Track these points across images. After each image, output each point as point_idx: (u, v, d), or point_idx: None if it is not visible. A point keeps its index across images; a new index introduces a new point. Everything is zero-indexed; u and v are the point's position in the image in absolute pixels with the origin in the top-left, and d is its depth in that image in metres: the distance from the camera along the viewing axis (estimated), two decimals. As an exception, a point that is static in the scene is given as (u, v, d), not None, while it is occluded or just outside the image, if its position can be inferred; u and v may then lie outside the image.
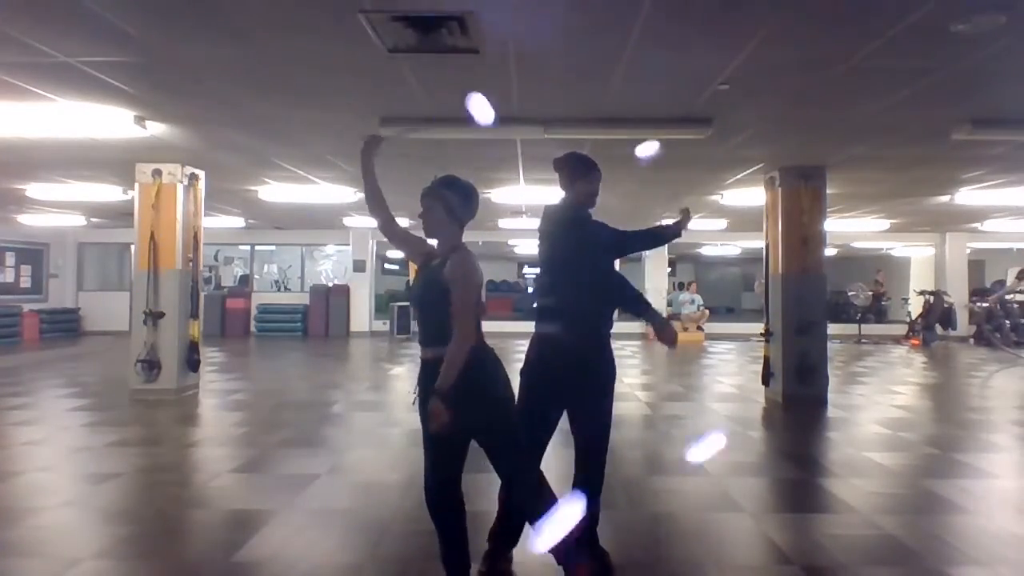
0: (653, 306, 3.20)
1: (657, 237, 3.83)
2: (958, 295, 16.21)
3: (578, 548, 2.86)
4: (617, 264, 3.61)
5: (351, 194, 9.87)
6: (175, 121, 5.98)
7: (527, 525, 2.99)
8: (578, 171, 3.27)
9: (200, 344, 8.09)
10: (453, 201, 2.82)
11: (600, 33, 3.92)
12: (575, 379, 3.06)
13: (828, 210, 8.33)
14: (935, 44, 3.98)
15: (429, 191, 2.86)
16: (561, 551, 2.79)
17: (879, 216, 12.93)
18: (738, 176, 8.52)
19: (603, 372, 3.18)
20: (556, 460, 3.53)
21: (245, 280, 18.96)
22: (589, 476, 3.20)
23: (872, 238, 16.70)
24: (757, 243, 11.88)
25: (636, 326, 16.96)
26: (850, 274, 19.60)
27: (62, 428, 6.33)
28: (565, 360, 3.02)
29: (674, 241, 3.72)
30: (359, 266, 16.84)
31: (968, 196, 9.71)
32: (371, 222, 14.90)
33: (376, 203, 3.01)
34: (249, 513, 4.01)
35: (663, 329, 3.10)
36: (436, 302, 2.69)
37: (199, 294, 8.17)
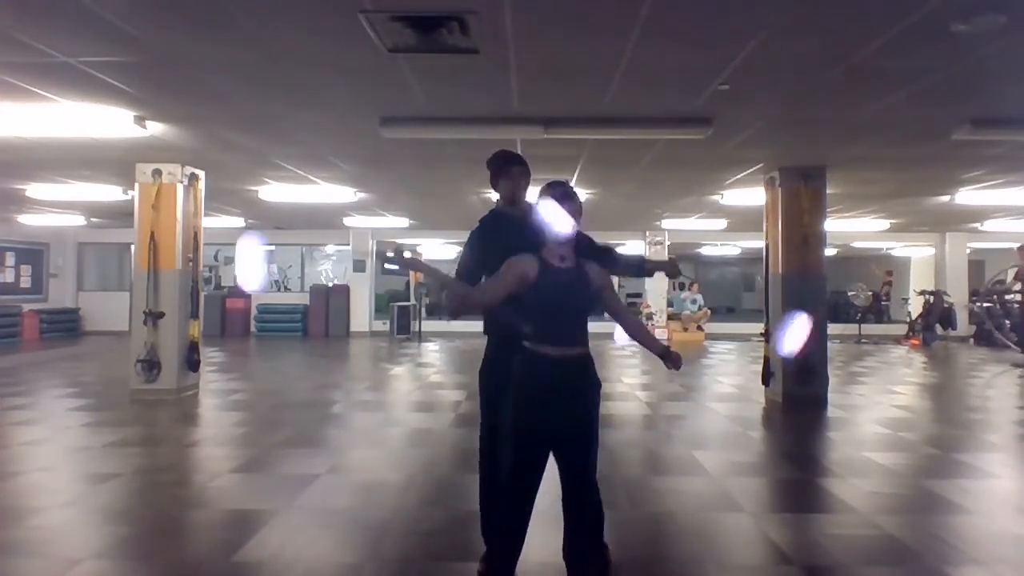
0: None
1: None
2: (958, 295, 16.22)
3: (584, 550, 2.89)
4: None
5: (351, 194, 9.88)
6: (175, 121, 5.98)
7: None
8: (496, 168, 3.38)
9: (200, 344, 8.09)
10: (579, 211, 2.87)
11: (600, 33, 3.92)
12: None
13: (828, 210, 8.32)
14: (935, 44, 3.98)
15: (574, 193, 2.88)
16: (572, 555, 2.84)
17: (879, 216, 12.94)
18: (738, 176, 8.52)
19: None
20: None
21: (245, 280, 18.96)
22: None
23: (872, 238, 16.70)
24: (757, 243, 11.89)
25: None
26: (850, 274, 19.60)
27: (62, 428, 6.33)
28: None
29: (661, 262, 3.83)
30: (359, 266, 16.84)
31: (968, 196, 9.71)
32: (371, 222, 14.90)
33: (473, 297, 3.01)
34: (249, 513, 4.01)
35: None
36: (587, 303, 2.85)
37: (199, 294, 8.18)
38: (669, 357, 2.93)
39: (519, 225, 3.04)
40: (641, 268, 3.77)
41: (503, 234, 3.15)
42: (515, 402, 2.81)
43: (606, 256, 3.31)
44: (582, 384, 2.83)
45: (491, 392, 3.19)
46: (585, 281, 2.84)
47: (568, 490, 2.83)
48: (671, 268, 3.80)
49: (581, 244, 2.95)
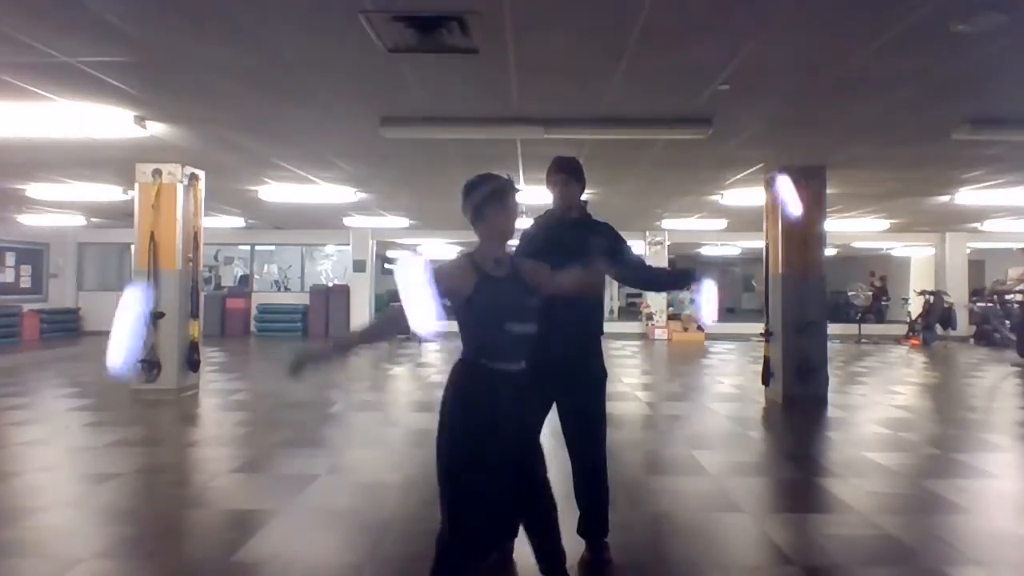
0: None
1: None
2: (958, 295, 16.22)
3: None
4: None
5: (351, 194, 9.88)
6: (175, 121, 5.98)
7: None
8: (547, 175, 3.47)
9: (200, 344, 8.09)
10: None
11: (600, 33, 3.92)
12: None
13: (828, 210, 8.32)
14: (935, 44, 3.98)
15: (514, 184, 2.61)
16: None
17: (879, 216, 12.94)
18: (738, 176, 8.52)
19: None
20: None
21: (245, 280, 18.96)
22: (584, 465, 3.31)
23: (872, 238, 16.69)
24: (757, 243, 11.88)
25: (636, 326, 16.95)
26: (850, 274, 19.59)
27: (62, 428, 6.33)
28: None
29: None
30: (359, 266, 16.84)
31: (968, 196, 9.71)
32: (371, 222, 14.85)
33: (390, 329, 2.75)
34: (249, 513, 4.01)
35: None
36: (532, 314, 2.55)
37: (199, 294, 8.17)
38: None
39: (564, 226, 3.23)
40: (679, 280, 3.60)
41: (544, 233, 3.37)
42: (466, 424, 2.52)
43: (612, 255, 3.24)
44: (536, 402, 2.63)
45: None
46: (525, 288, 2.55)
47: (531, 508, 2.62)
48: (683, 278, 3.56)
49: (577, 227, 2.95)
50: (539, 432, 2.79)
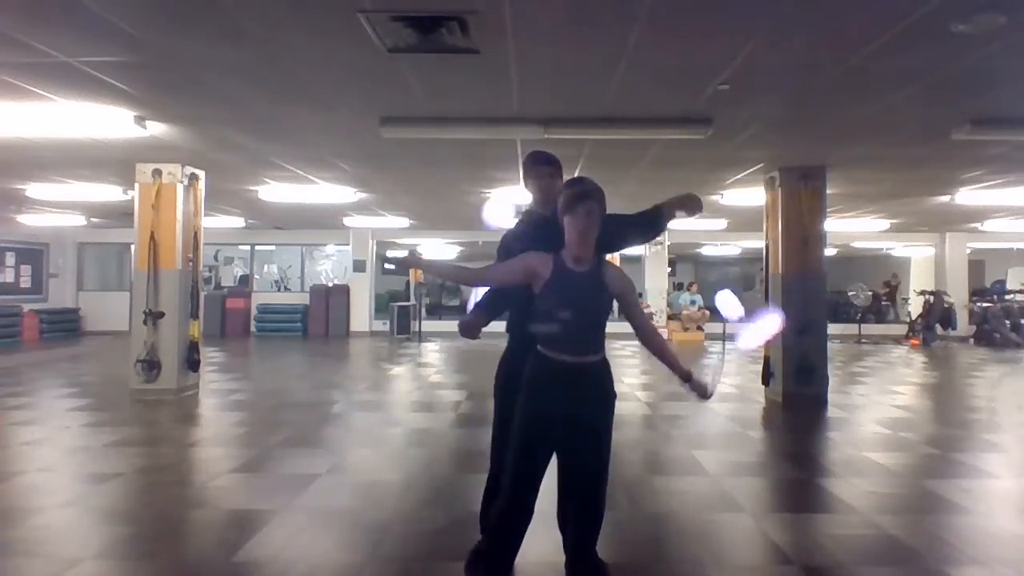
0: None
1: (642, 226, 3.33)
2: (958, 295, 16.22)
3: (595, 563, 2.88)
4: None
5: (351, 194, 9.88)
6: (175, 121, 5.98)
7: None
8: (524, 169, 3.32)
9: (200, 344, 8.08)
10: (603, 206, 2.75)
11: (600, 33, 3.92)
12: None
13: (828, 210, 8.32)
14: (935, 44, 3.98)
15: (594, 192, 2.71)
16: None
17: (879, 216, 12.94)
18: (738, 176, 8.52)
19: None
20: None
21: (245, 280, 18.97)
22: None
23: (872, 238, 16.70)
24: (757, 243, 11.88)
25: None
26: (850, 274, 19.59)
27: (62, 428, 6.33)
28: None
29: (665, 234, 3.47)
30: (359, 266, 16.85)
31: (968, 196, 9.71)
32: (371, 222, 14.84)
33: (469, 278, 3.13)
34: (249, 513, 4.01)
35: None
36: (603, 309, 2.79)
37: (199, 294, 8.17)
38: (691, 383, 2.79)
39: (551, 225, 2.94)
40: (657, 221, 3.31)
41: (534, 234, 3.06)
42: (524, 395, 2.73)
43: (621, 234, 3.22)
44: (596, 393, 2.76)
45: (504, 382, 3.11)
46: (600, 286, 2.73)
47: (578, 493, 2.77)
48: (691, 203, 3.31)
49: (604, 234, 2.76)
50: (601, 430, 2.82)
